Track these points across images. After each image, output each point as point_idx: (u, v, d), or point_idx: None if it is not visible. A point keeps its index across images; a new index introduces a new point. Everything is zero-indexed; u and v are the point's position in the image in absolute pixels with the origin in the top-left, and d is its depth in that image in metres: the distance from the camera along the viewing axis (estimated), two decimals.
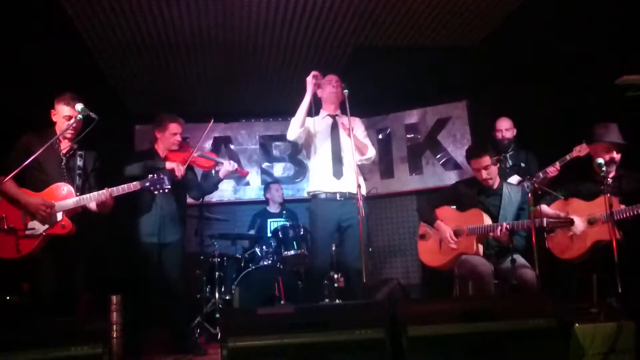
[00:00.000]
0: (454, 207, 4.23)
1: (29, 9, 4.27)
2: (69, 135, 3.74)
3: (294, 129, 4.10)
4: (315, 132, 4.21)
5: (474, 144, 5.65)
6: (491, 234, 3.86)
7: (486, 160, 4.00)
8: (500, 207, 4.00)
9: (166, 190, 3.81)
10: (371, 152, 4.22)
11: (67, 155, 3.78)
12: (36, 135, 3.67)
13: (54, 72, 5.16)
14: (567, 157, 4.51)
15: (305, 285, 5.15)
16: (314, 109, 4.18)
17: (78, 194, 3.68)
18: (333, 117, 4.24)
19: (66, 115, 3.69)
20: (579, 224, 3.99)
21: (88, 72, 5.43)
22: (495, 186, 4.09)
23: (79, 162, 3.79)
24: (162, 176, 3.77)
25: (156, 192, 3.80)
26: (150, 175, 3.78)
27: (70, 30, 4.63)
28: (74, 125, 3.69)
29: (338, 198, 4.06)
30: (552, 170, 4.58)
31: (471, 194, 4.12)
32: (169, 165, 4.16)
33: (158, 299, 4.20)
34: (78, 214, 3.72)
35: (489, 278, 3.80)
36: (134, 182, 3.74)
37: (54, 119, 3.76)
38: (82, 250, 3.77)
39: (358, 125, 4.30)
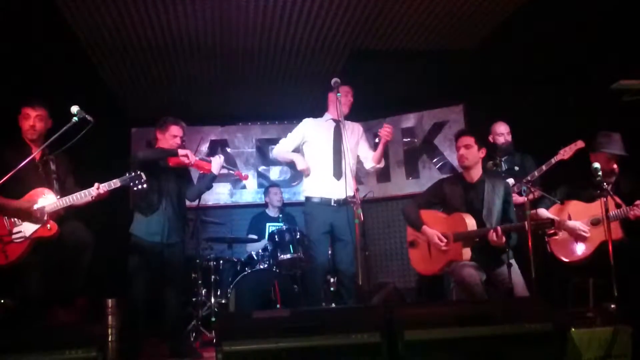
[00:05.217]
0: (440, 209, 4.17)
1: (27, 12, 4.27)
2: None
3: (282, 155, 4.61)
4: (317, 134, 4.40)
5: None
6: (494, 238, 3.71)
7: (466, 140, 4.00)
8: (484, 201, 3.94)
9: (145, 186, 3.80)
10: (383, 161, 4.63)
11: (40, 161, 3.79)
12: (8, 144, 3.68)
13: (51, 74, 5.15)
14: (552, 161, 4.46)
15: (305, 289, 5.14)
16: (317, 112, 4.52)
17: (58, 197, 3.69)
18: (337, 122, 4.37)
19: None
20: (573, 223, 4.05)
21: (85, 75, 5.41)
22: (475, 180, 4.04)
23: (52, 167, 3.82)
24: (139, 173, 3.77)
25: (135, 189, 3.78)
26: (127, 173, 3.78)
27: (68, 33, 4.62)
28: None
29: (332, 204, 4.30)
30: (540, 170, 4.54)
31: (456, 190, 4.06)
32: (181, 151, 4.17)
33: (154, 300, 4.18)
34: (69, 220, 3.73)
35: (478, 288, 3.70)
36: (114, 180, 3.75)
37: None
38: (75, 255, 3.76)
39: (363, 134, 4.65)
